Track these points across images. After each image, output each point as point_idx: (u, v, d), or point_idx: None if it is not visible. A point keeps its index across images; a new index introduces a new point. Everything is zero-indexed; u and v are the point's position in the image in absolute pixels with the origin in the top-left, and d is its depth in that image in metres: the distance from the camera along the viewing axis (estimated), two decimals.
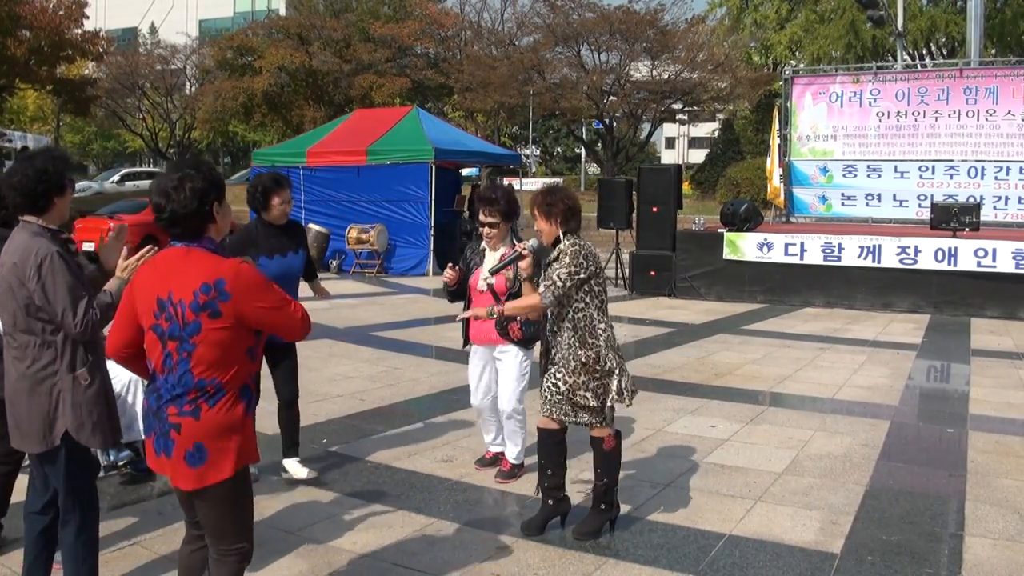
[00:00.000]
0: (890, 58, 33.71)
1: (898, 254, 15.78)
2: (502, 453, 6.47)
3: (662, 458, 6.85)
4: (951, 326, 14.35)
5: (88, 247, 22.47)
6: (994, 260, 15.16)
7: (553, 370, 5.18)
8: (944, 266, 15.46)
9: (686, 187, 33.84)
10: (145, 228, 23.23)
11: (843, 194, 21.48)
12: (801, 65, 38.16)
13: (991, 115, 20.04)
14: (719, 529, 5.38)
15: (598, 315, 5.15)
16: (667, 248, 17.84)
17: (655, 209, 17.85)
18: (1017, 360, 11.59)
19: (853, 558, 4.96)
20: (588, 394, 5.09)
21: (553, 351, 5.20)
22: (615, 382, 5.13)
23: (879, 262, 15.94)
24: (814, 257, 16.41)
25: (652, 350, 11.88)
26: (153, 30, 63.95)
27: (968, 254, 15.33)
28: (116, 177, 47.73)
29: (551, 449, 5.33)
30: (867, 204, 21.20)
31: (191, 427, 3.35)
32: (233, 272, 3.40)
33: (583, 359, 5.09)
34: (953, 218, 15.99)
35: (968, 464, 6.79)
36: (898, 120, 20.90)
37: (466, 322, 6.16)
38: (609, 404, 5.15)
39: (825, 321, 14.68)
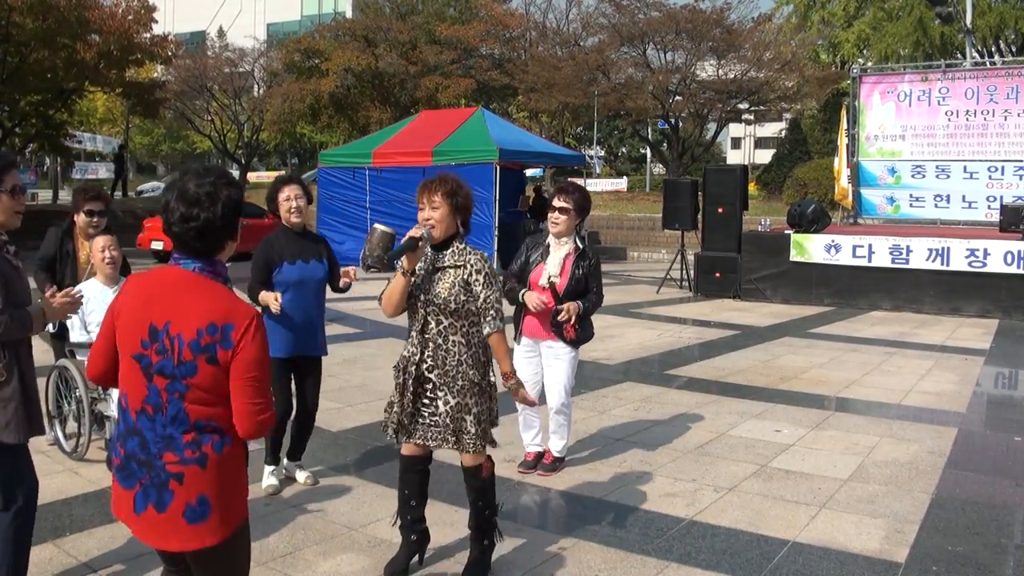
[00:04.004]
0: (959, 56, 33.09)
1: (967, 257, 15.52)
2: (542, 452, 6.60)
3: (726, 462, 6.86)
4: (1021, 331, 14.10)
5: (157, 246, 22.99)
6: None
7: (431, 389, 4.67)
8: (1014, 269, 15.17)
9: (752, 188, 33.56)
10: None
11: (911, 195, 21.21)
12: (869, 63, 37.66)
13: None
14: (783, 535, 5.38)
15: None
16: (732, 249, 17.76)
17: (721, 210, 17.78)
18: None
19: (917, 568, 4.94)
20: (471, 418, 4.64)
21: (430, 369, 4.65)
22: (496, 406, 4.86)
23: (947, 265, 15.69)
24: (882, 259, 16.22)
25: (717, 352, 11.86)
26: (221, 34, 64.87)
27: None
28: None
29: (415, 478, 4.89)
30: (936, 205, 20.91)
31: (196, 477, 2.88)
32: (247, 321, 2.90)
33: (474, 378, 4.66)
34: (1023, 220, 15.73)
35: None
36: (967, 119, 20.58)
37: (519, 316, 6.26)
38: (490, 430, 4.81)
39: (892, 325, 14.51)
